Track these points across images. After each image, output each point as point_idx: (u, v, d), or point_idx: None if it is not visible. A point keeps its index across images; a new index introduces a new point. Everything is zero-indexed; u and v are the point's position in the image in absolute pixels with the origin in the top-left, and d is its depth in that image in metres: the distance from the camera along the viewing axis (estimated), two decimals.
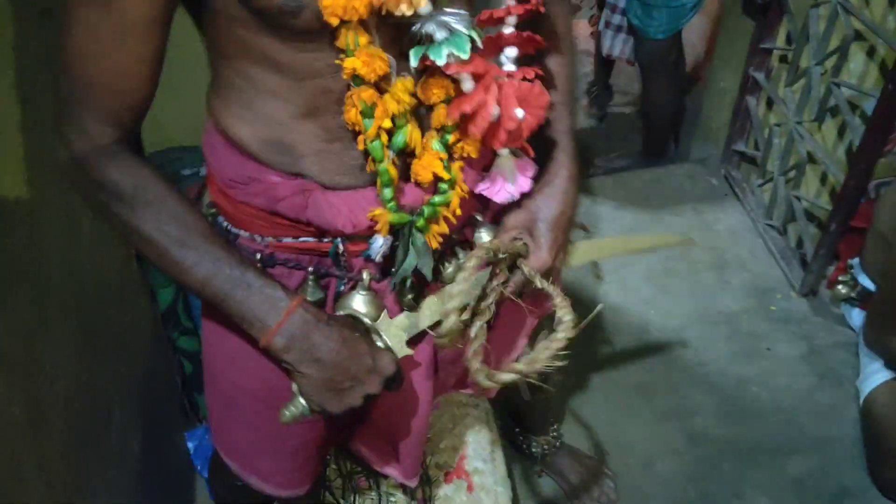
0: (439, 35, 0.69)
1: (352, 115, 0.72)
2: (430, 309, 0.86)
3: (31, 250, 1.02)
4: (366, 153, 0.75)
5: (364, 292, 0.82)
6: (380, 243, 0.80)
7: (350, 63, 0.68)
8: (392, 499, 1.33)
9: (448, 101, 0.76)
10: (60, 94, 0.70)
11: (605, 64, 2.92)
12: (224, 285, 0.73)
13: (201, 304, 0.96)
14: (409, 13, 0.66)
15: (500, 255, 0.85)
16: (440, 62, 0.70)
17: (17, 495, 0.87)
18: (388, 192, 0.77)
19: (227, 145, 0.79)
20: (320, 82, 0.72)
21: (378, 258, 0.81)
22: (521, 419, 1.60)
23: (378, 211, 0.78)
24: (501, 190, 0.85)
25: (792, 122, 2.09)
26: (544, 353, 0.83)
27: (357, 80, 0.70)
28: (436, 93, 0.74)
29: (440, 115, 0.76)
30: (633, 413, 1.85)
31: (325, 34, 0.67)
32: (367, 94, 0.70)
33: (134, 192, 0.72)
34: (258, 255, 0.82)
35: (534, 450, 1.60)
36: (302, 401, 0.78)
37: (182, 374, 1.68)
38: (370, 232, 0.80)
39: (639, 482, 1.70)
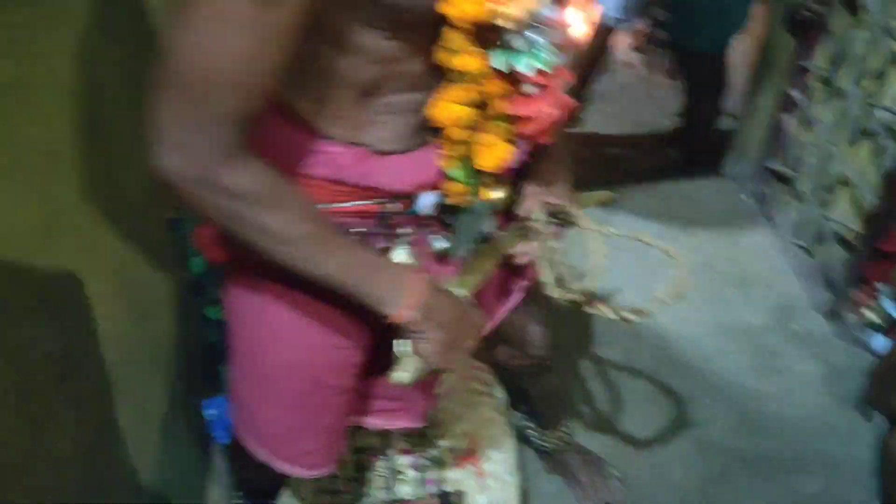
0: (524, 47, 0.76)
1: (447, 108, 0.77)
2: (480, 268, 0.96)
3: (80, 205, 1.06)
4: (421, 121, 0.81)
5: (406, 247, 0.88)
6: (430, 199, 0.86)
7: (461, 62, 0.74)
8: (401, 476, 1.36)
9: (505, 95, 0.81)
10: (177, 113, 0.65)
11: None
12: (359, 272, 0.79)
13: (229, 282, 0.99)
14: (511, 27, 0.73)
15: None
16: (529, 73, 0.77)
17: (49, 428, 0.92)
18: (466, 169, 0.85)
19: (279, 120, 0.80)
20: (392, 66, 0.75)
21: (427, 212, 0.88)
22: (533, 413, 1.62)
23: (455, 186, 0.85)
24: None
25: (827, 143, 2.09)
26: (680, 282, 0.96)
27: (459, 76, 0.75)
28: (500, 87, 0.79)
29: (499, 106, 0.81)
30: (646, 418, 1.86)
31: (424, 29, 0.72)
32: (469, 90, 0.76)
33: (270, 195, 0.71)
34: None
35: (545, 445, 1.62)
36: (418, 361, 0.85)
37: (206, 342, 1.72)
38: (419, 190, 0.86)
39: (647, 486, 1.71)
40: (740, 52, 2.89)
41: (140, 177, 1.38)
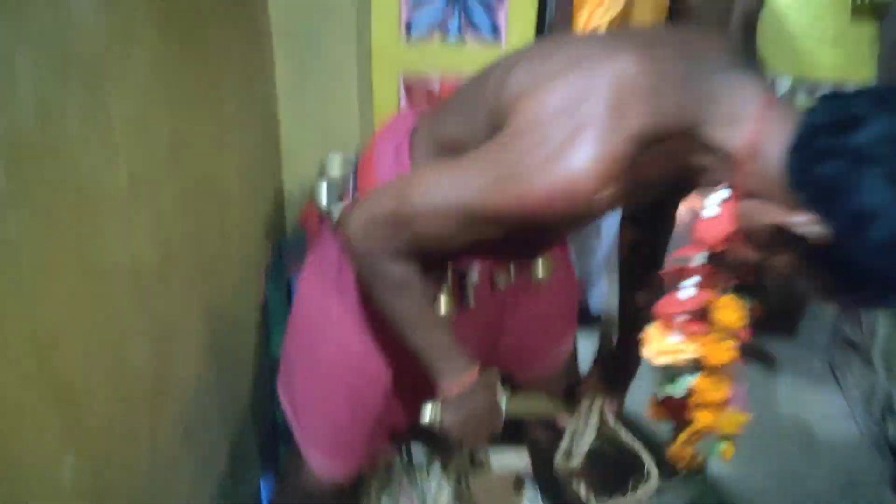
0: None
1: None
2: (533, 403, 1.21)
3: (189, 247, 1.25)
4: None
5: (447, 296, 1.09)
6: (474, 276, 1.09)
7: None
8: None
9: None
10: (384, 227, 0.92)
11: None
12: (437, 351, 1.03)
13: (310, 267, 1.21)
14: None
15: None
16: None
17: (135, 431, 1.04)
18: None
19: None
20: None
21: (470, 286, 1.11)
22: None
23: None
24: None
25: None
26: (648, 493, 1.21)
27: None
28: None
29: None
30: None
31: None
32: None
33: (405, 283, 0.96)
34: None
35: None
36: (439, 417, 1.08)
37: (273, 422, 1.83)
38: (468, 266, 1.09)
39: None
40: None
41: (241, 251, 1.57)
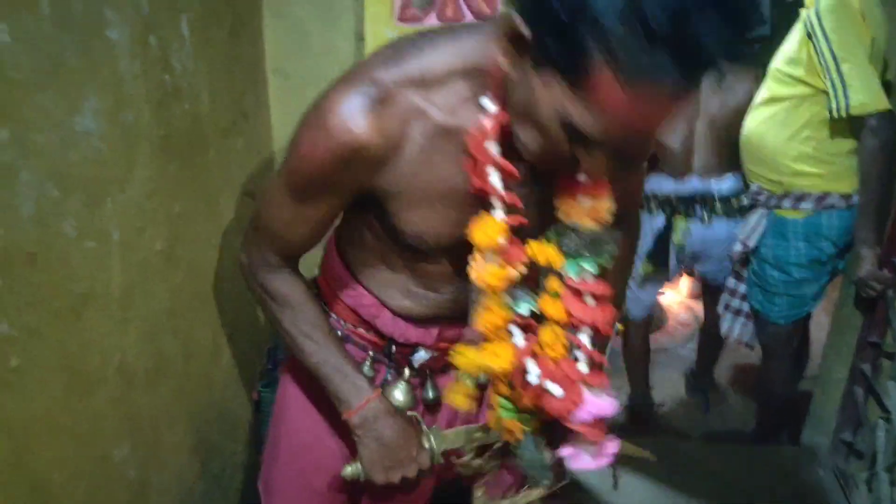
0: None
1: (495, 359, 0.95)
2: (466, 434, 1.11)
3: (179, 356, 1.29)
4: (438, 304, 1.04)
5: (404, 384, 1.09)
6: (421, 355, 1.08)
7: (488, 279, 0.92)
8: None
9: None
10: (250, 235, 1.04)
11: (712, 349, 3.00)
12: (329, 370, 1.03)
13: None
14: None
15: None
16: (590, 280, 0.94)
17: None
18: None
19: (341, 267, 1.10)
20: (420, 276, 1.02)
21: (417, 365, 1.09)
22: None
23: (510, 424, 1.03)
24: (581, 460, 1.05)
25: (895, 417, 2.07)
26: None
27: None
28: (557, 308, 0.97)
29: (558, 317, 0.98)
30: None
31: (444, 256, 0.97)
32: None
33: (284, 297, 1.03)
34: (339, 332, 1.09)
35: None
36: (360, 466, 1.03)
37: None
38: (416, 345, 1.08)
39: None
40: (818, 322, 2.96)
41: (236, 352, 1.61)
